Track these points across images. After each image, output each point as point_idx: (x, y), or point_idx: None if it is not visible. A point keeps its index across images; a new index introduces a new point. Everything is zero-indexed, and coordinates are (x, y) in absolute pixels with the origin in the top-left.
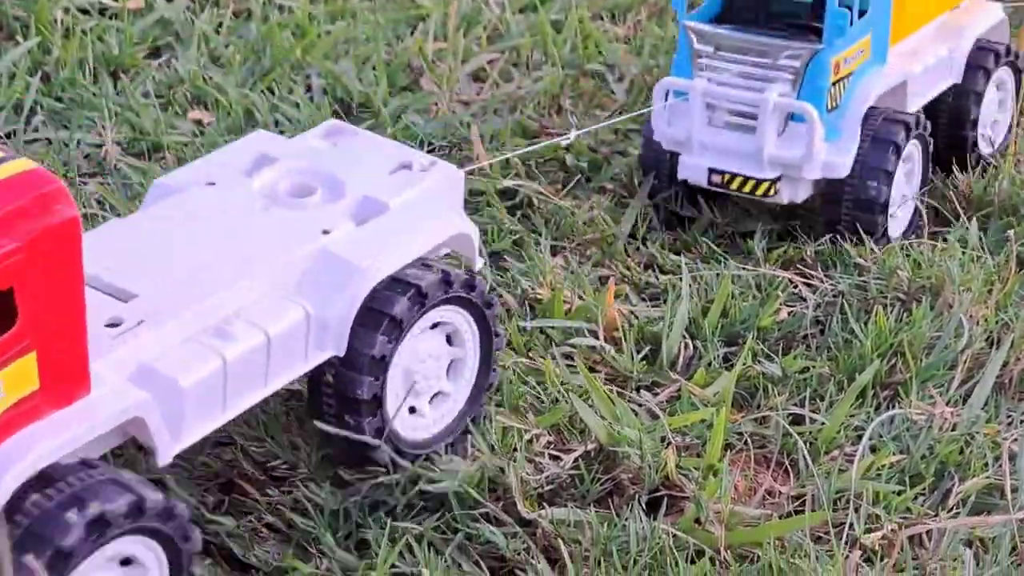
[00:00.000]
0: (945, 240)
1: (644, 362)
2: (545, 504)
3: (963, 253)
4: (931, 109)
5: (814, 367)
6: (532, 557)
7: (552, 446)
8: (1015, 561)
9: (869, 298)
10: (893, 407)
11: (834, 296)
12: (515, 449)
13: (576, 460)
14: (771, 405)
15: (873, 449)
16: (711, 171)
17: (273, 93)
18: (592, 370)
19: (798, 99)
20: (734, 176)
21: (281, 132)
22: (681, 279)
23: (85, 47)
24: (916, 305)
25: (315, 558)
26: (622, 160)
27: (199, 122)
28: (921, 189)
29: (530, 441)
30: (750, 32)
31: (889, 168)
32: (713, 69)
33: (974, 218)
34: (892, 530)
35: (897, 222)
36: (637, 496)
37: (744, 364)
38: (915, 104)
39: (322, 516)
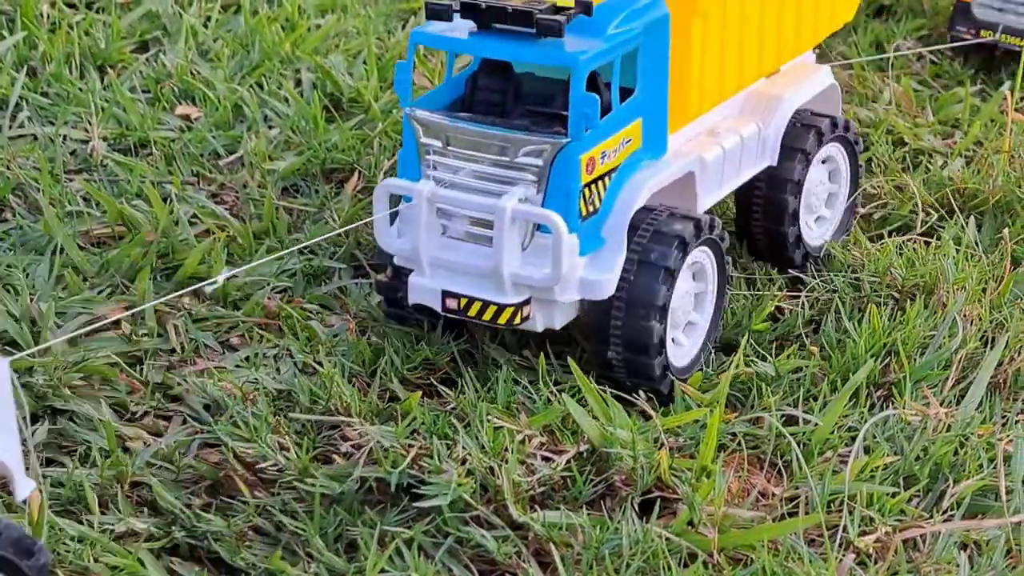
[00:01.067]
0: (939, 238)
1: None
2: (537, 507)
3: (957, 251)
4: (747, 194)
5: (807, 367)
6: (523, 561)
7: (544, 447)
8: (1010, 563)
9: (863, 297)
10: (887, 407)
11: (830, 293)
12: (506, 450)
13: (568, 461)
14: (764, 406)
15: (867, 450)
16: (445, 294)
17: (262, 88)
18: (587, 372)
19: (544, 205)
20: (472, 300)
21: (270, 128)
22: None
23: (72, 41)
24: (910, 304)
25: (303, 561)
26: None
27: (187, 117)
28: (717, 312)
29: (523, 442)
30: (484, 124)
31: (658, 300)
32: (444, 168)
33: (971, 217)
34: (886, 533)
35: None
36: (630, 498)
37: (737, 366)
38: (709, 200)
39: (311, 519)
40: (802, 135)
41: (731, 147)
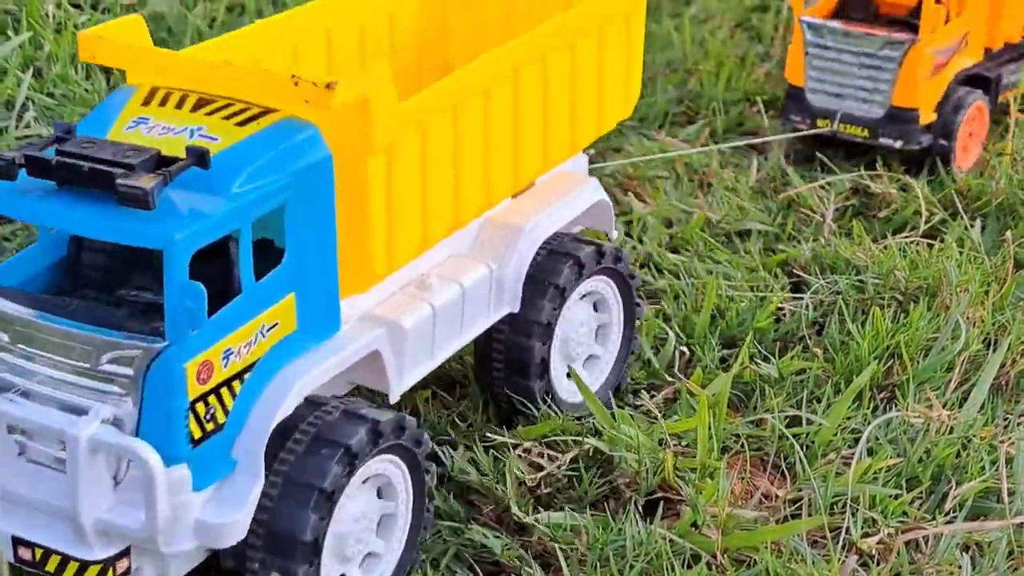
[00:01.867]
0: (942, 240)
1: (639, 363)
2: (540, 508)
3: (960, 254)
4: (486, 338)
5: (810, 369)
6: (527, 564)
7: (547, 449)
8: (1012, 565)
9: (866, 299)
10: (890, 409)
11: (833, 295)
12: (508, 449)
13: (572, 461)
14: (767, 407)
15: (870, 452)
16: (16, 541)
17: None
18: None
19: (140, 427)
20: (49, 552)
21: None
22: (678, 278)
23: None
24: (913, 306)
25: None
26: (616, 156)
27: None
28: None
29: (527, 450)
30: (61, 315)
31: (306, 536)
32: (15, 369)
33: (974, 218)
34: (889, 534)
35: None
36: (633, 500)
37: (741, 366)
38: (412, 377)
39: None
40: (555, 267)
41: (447, 302)
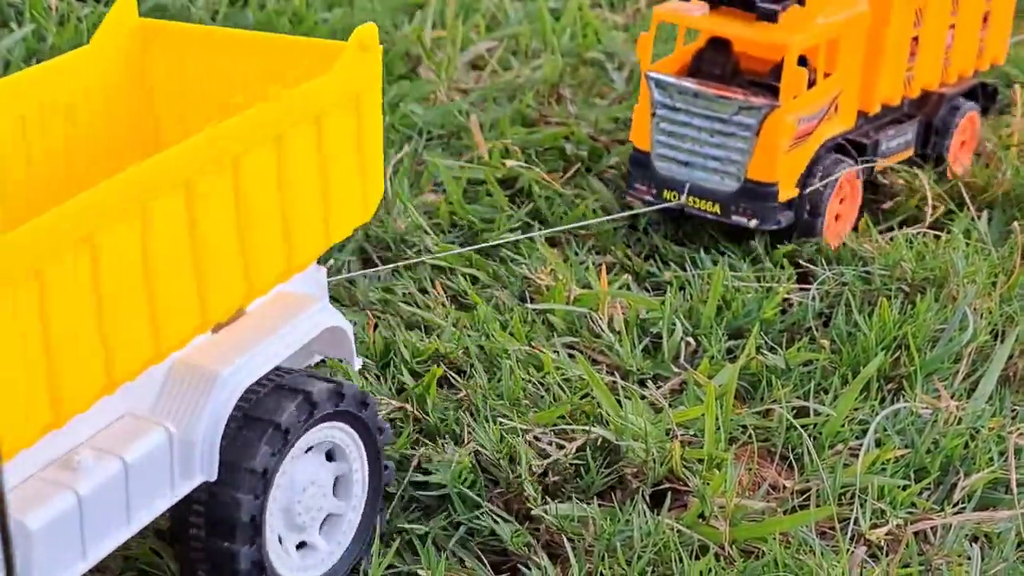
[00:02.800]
0: (949, 232)
1: (645, 354)
2: (548, 497)
3: (967, 245)
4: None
5: (818, 360)
6: (534, 553)
7: (552, 443)
8: (1021, 556)
9: (873, 290)
10: (897, 400)
11: (840, 286)
12: (517, 435)
13: (579, 450)
14: (775, 398)
15: (878, 443)
16: None
17: None
18: (594, 362)
19: None
20: None
21: None
22: (684, 270)
23: (80, 34)
24: (920, 297)
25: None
26: (621, 148)
27: None
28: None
29: (536, 438)
30: None
31: None
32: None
33: (981, 210)
34: (898, 525)
35: None
36: (640, 490)
37: (748, 356)
38: None
39: None
40: (279, 404)
41: (99, 485)
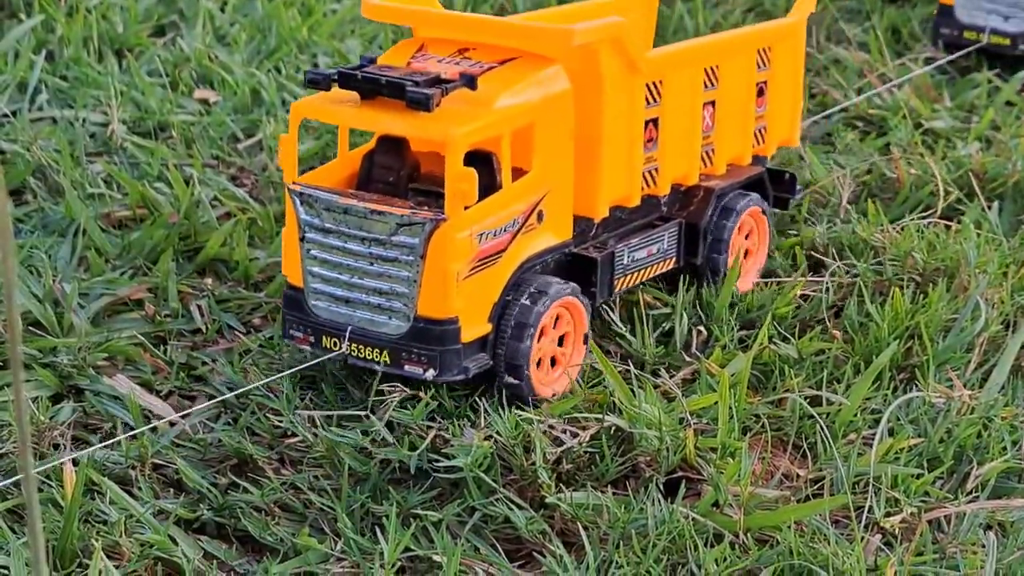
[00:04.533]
0: (959, 222)
1: (658, 344)
2: (563, 485)
3: (978, 235)
4: None
5: (830, 349)
6: (548, 541)
7: (568, 424)
8: None
9: (884, 280)
10: (909, 390)
11: (852, 276)
12: (531, 423)
13: (593, 438)
14: (788, 387)
15: (891, 432)
16: None
17: (280, 72)
18: (606, 352)
19: None
20: None
21: (288, 112)
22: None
23: (89, 25)
24: (932, 287)
25: (330, 539)
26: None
27: (205, 101)
28: None
29: (551, 426)
30: None
31: None
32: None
33: (991, 200)
34: (912, 514)
35: None
36: (654, 479)
37: (760, 346)
38: None
39: (338, 497)
40: None
41: None
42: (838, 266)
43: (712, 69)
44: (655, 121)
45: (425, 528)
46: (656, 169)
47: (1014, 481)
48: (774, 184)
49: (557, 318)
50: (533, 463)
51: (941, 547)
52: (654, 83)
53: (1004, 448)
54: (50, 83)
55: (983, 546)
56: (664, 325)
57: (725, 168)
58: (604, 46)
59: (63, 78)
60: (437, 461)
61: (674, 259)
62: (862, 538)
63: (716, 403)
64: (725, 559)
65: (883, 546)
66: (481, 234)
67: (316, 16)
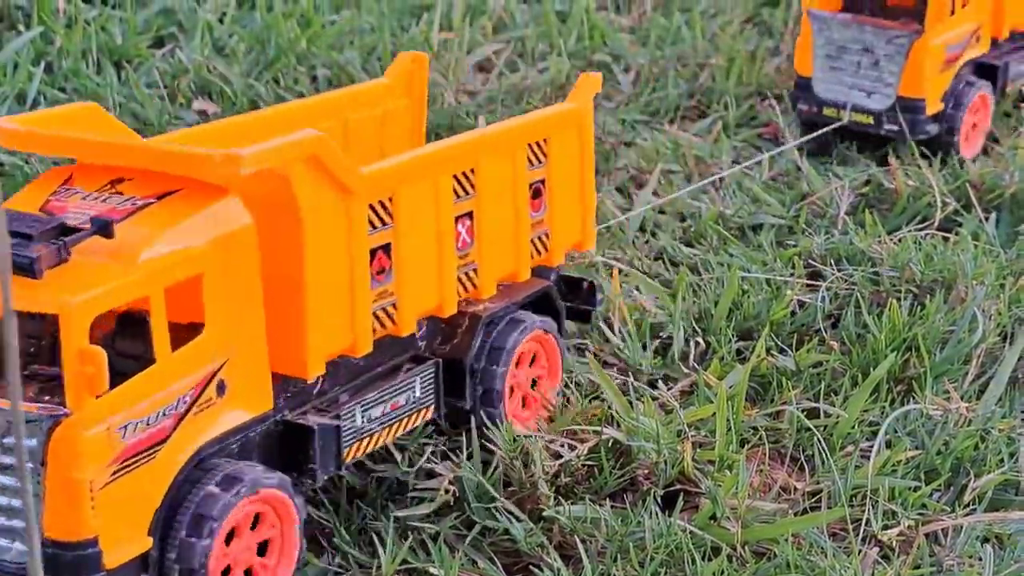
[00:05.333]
0: (957, 233)
1: (655, 356)
2: (560, 498)
3: (975, 247)
4: None
5: (828, 361)
6: (546, 554)
7: (567, 437)
8: None
9: (882, 291)
10: (907, 402)
11: (849, 287)
12: (527, 451)
13: (591, 451)
14: (785, 399)
15: (888, 444)
16: None
17: (279, 83)
18: (604, 364)
19: None
20: None
21: None
22: (692, 271)
23: (88, 37)
24: (929, 298)
25: (327, 553)
26: (628, 151)
27: (204, 113)
28: None
29: (550, 441)
30: None
31: None
32: None
33: (988, 211)
34: (909, 527)
35: None
36: (652, 492)
37: (758, 358)
38: None
39: (337, 512)
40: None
41: None
42: (835, 276)
43: (465, 175)
44: (385, 248)
45: (423, 541)
46: (394, 304)
47: (1011, 493)
48: (572, 294)
49: (257, 517)
50: (532, 476)
51: (938, 560)
52: (380, 202)
53: (1001, 460)
54: (49, 95)
55: (980, 559)
56: (662, 334)
57: (494, 288)
58: (296, 167)
59: (62, 89)
60: (432, 476)
61: (431, 408)
62: (859, 551)
63: (714, 415)
64: (723, 572)
65: (880, 559)
66: (125, 426)
67: (315, 27)
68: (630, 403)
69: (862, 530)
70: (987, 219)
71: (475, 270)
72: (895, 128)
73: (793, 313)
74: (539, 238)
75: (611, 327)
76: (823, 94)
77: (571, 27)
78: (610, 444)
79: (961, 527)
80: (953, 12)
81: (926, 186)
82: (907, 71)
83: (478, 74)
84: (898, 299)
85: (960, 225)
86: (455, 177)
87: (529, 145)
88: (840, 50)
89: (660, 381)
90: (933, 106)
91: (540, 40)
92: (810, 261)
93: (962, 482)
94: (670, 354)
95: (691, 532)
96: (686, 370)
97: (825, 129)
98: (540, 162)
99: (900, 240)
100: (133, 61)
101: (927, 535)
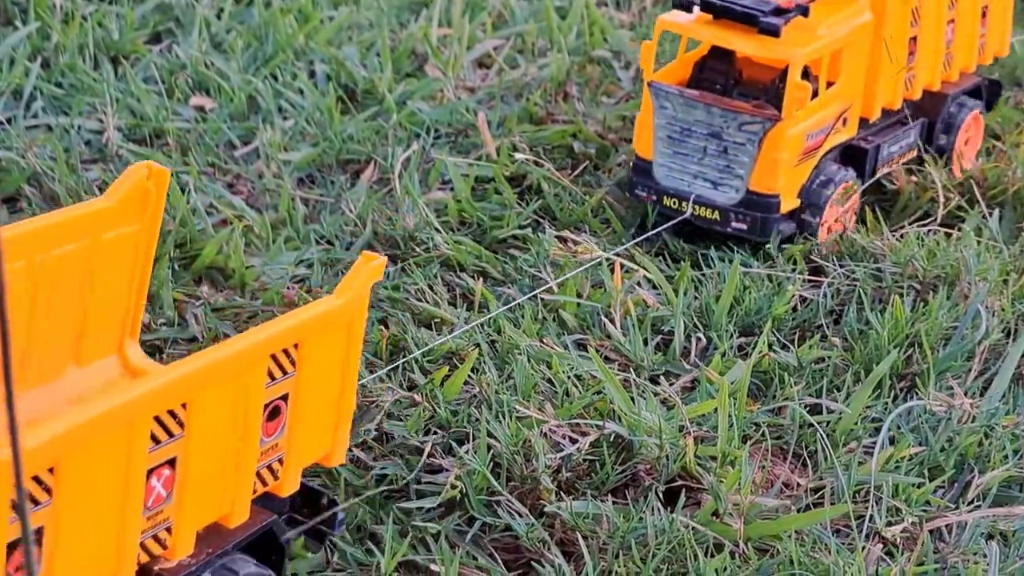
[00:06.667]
0: (959, 230)
1: (657, 351)
2: (562, 493)
3: (978, 243)
4: None
5: (830, 357)
6: (547, 550)
7: (569, 430)
8: None
9: (884, 287)
10: (909, 398)
11: (851, 283)
12: (529, 442)
13: (593, 444)
14: (787, 395)
15: (891, 441)
16: None
17: (277, 79)
18: (605, 359)
19: None
20: None
21: (285, 119)
22: (693, 267)
23: (85, 32)
24: (932, 295)
25: (324, 550)
26: (630, 147)
27: (201, 108)
28: None
29: (551, 430)
30: None
31: None
32: None
33: (992, 208)
34: (913, 523)
35: None
36: (654, 487)
37: (760, 353)
38: None
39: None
40: None
41: None
42: (837, 272)
43: (172, 413)
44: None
45: (423, 539)
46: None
47: (1016, 490)
48: (308, 509)
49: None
50: (534, 470)
51: (943, 557)
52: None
53: (1006, 457)
54: (45, 90)
55: (985, 556)
56: (664, 329)
57: (191, 544)
58: None
59: (58, 85)
60: (435, 473)
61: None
62: (863, 548)
63: (715, 411)
64: (726, 569)
65: (884, 556)
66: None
67: (313, 23)
68: (632, 399)
69: (865, 526)
70: (990, 215)
71: (168, 529)
72: (743, 228)
73: (794, 309)
74: (269, 466)
75: (612, 322)
76: (664, 181)
77: (571, 23)
78: (612, 439)
79: (965, 524)
80: (816, 95)
81: (928, 181)
82: (759, 162)
83: (477, 70)
84: (901, 296)
85: (963, 221)
86: (156, 419)
87: (273, 355)
88: (685, 132)
89: (661, 377)
90: (788, 202)
91: (540, 36)
92: (811, 257)
93: (966, 479)
94: (671, 350)
95: (693, 528)
96: (687, 366)
97: (661, 228)
98: (285, 373)
99: (902, 236)
100: (130, 57)
101: (931, 532)
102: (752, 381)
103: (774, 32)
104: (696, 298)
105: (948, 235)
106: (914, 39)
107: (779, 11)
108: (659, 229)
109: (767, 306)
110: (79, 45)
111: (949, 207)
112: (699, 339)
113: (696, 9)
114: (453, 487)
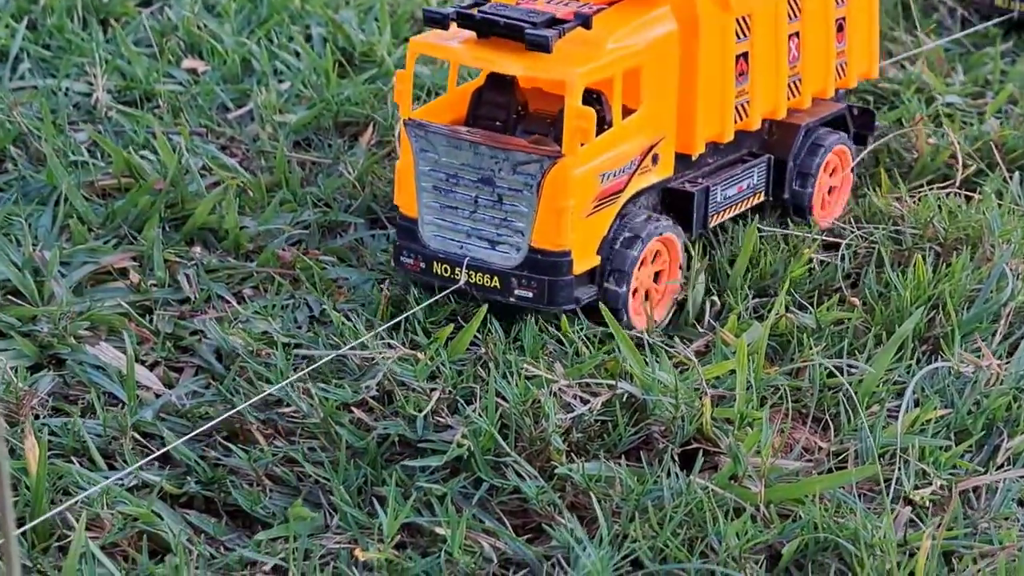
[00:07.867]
0: (980, 192)
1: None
2: (572, 454)
3: (999, 205)
4: None
5: (850, 319)
6: (558, 513)
7: (579, 390)
8: None
9: (904, 249)
10: (932, 361)
11: (869, 246)
12: (539, 401)
13: (605, 405)
14: (806, 357)
15: (916, 403)
16: None
17: (272, 41)
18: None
19: None
20: None
21: (280, 81)
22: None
23: None
24: (955, 256)
25: (325, 512)
26: None
27: (193, 71)
28: None
29: (561, 390)
30: None
31: None
32: None
33: (1012, 171)
34: (941, 487)
35: None
36: (669, 449)
37: (777, 315)
38: None
39: (335, 469)
40: None
41: None
42: (855, 234)
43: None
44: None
45: (428, 501)
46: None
47: None
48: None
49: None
50: (543, 431)
51: (973, 522)
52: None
53: None
54: (32, 51)
55: (1018, 519)
56: (678, 294)
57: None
58: None
59: (46, 46)
60: (441, 431)
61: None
62: (892, 510)
63: (732, 372)
64: (746, 532)
65: (914, 518)
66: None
67: None
68: (644, 360)
69: (892, 490)
70: (1011, 177)
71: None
72: (528, 296)
73: (810, 272)
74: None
75: None
76: (432, 243)
77: None
78: (624, 399)
79: (996, 488)
80: (610, 124)
81: (947, 143)
82: (542, 212)
83: None
84: (924, 256)
85: (981, 185)
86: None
87: None
88: (451, 180)
89: (676, 339)
90: (584, 261)
91: None
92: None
93: (995, 442)
94: (684, 314)
95: (712, 491)
96: (701, 330)
97: (445, 292)
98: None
99: (921, 199)
100: (120, 18)
101: (960, 494)
102: (768, 344)
103: (544, 47)
104: (710, 262)
105: (968, 198)
106: (745, 56)
107: (553, 22)
108: (417, 309)
109: (783, 268)
110: (67, 6)
111: (968, 172)
112: (713, 303)
113: (453, 25)
114: (460, 445)
